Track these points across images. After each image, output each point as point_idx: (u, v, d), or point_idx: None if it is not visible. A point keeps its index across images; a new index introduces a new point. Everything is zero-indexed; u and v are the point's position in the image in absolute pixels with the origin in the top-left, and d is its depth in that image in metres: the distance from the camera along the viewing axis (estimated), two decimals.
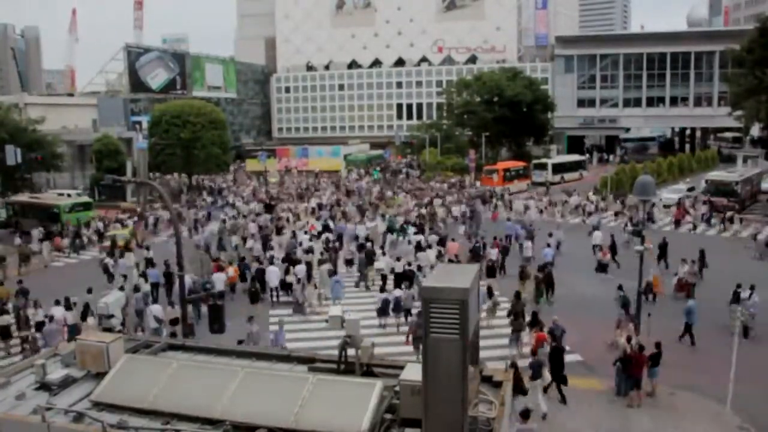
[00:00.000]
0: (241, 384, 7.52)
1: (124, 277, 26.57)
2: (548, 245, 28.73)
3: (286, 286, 24.95)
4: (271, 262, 26.33)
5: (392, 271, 25.30)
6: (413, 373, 6.84)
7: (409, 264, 25.81)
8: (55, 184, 55.53)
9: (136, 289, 23.79)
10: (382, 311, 21.33)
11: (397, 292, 21.80)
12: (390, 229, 33.27)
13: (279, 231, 34.75)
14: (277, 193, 53.91)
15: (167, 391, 7.55)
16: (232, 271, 26.22)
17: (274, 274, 24.95)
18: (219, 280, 24.30)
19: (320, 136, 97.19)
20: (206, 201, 51.70)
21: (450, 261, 26.04)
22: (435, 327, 6.19)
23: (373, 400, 6.98)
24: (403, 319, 21.24)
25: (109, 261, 28.62)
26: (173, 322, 19.71)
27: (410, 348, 18.15)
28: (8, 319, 20.97)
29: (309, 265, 26.28)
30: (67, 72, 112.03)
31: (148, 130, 60.27)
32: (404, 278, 23.83)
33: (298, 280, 24.09)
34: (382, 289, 23.04)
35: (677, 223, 37.78)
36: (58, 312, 20.19)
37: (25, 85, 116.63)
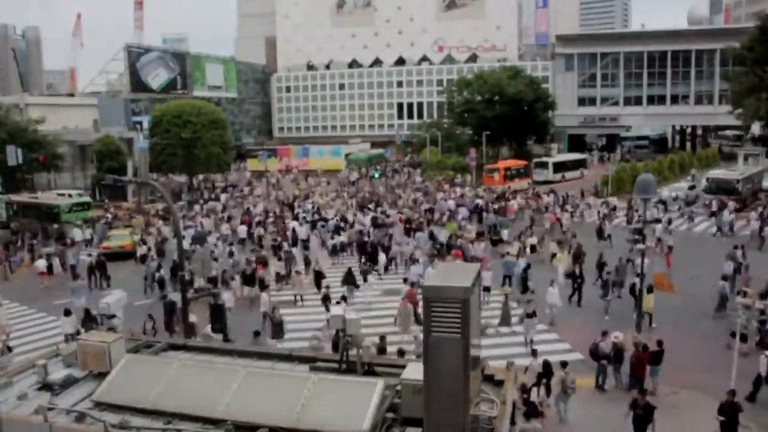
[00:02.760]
0: (243, 383, 7.53)
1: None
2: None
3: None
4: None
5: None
6: (415, 372, 6.85)
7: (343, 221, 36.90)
8: (56, 185, 55.57)
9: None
10: (333, 253, 31.59)
11: (338, 238, 32.12)
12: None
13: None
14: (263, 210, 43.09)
15: (169, 390, 7.56)
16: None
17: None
18: (243, 232, 34.10)
19: (321, 135, 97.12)
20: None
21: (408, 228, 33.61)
22: (436, 326, 6.19)
23: (374, 399, 6.98)
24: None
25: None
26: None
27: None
28: None
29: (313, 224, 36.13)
30: (68, 72, 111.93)
31: (148, 130, 60.25)
32: (339, 229, 34.41)
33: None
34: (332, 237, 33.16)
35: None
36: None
37: (25, 86, 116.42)
